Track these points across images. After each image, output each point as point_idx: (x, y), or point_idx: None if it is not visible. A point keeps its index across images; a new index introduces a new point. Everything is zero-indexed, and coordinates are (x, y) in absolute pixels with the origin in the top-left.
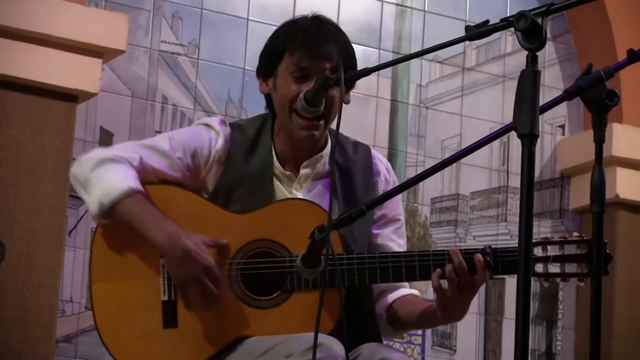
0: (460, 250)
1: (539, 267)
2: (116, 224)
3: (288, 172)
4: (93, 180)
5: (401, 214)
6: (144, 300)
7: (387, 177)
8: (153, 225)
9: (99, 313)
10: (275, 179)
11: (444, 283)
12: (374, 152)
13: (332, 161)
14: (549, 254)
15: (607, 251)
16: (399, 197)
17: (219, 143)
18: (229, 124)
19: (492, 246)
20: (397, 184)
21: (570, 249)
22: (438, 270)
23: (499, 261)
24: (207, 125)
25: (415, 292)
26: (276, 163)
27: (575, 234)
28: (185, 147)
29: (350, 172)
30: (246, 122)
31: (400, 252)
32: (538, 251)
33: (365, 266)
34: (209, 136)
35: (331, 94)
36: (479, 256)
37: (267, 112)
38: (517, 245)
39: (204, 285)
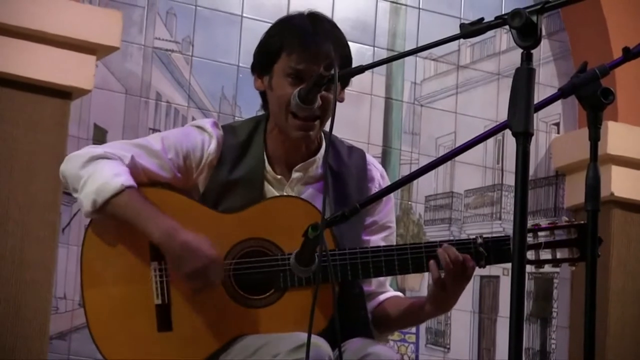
0: (452, 240)
1: (530, 254)
2: (107, 225)
3: (279, 177)
4: (84, 177)
5: (392, 221)
6: (138, 305)
7: (381, 183)
8: (150, 222)
9: (93, 320)
10: (266, 183)
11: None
12: (369, 157)
13: (325, 161)
14: (539, 241)
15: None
16: (392, 205)
17: (212, 146)
18: (222, 126)
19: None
20: None
21: (561, 235)
22: (433, 261)
23: (491, 250)
24: (200, 128)
25: (399, 293)
26: (267, 167)
27: (565, 218)
28: (178, 149)
29: (343, 176)
30: (239, 124)
31: (392, 245)
32: (529, 238)
33: (358, 261)
34: (202, 138)
35: (326, 95)
36: (468, 257)
37: (262, 113)
38: (508, 235)
39: (204, 276)
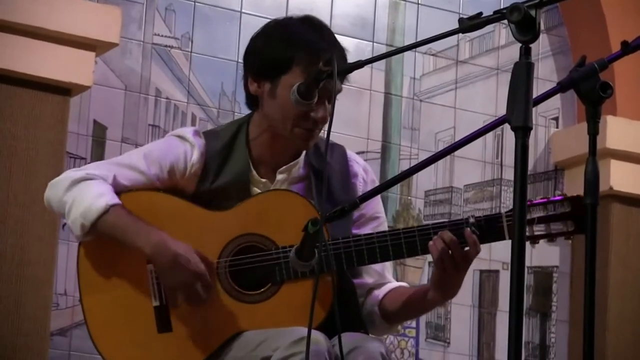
0: (444, 222)
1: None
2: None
3: (264, 180)
4: (69, 202)
5: (380, 212)
6: (136, 307)
7: (365, 177)
8: (138, 236)
9: (93, 326)
10: (252, 187)
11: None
12: (349, 153)
13: (325, 157)
14: (532, 216)
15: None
16: (378, 196)
17: (195, 156)
18: (204, 132)
19: (476, 215)
20: (377, 183)
21: (554, 209)
22: (432, 243)
23: (484, 229)
24: (181, 137)
25: (402, 284)
26: (252, 171)
27: (558, 192)
28: (162, 163)
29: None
30: (221, 129)
31: (385, 231)
32: None
33: (352, 249)
34: (184, 149)
35: (327, 106)
36: (469, 231)
37: (242, 116)
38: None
39: (193, 290)
